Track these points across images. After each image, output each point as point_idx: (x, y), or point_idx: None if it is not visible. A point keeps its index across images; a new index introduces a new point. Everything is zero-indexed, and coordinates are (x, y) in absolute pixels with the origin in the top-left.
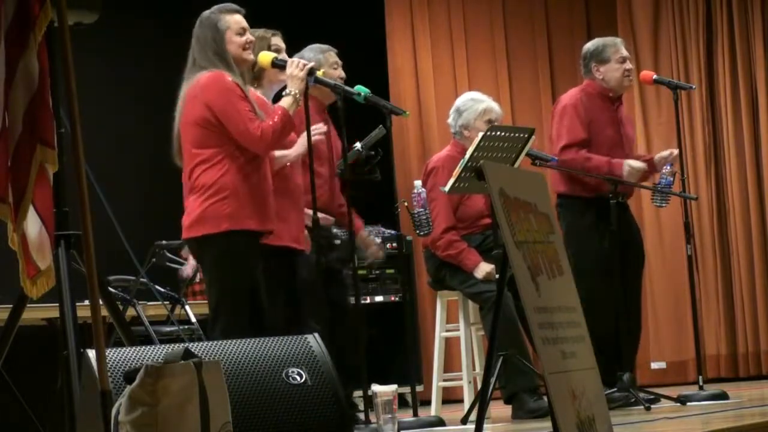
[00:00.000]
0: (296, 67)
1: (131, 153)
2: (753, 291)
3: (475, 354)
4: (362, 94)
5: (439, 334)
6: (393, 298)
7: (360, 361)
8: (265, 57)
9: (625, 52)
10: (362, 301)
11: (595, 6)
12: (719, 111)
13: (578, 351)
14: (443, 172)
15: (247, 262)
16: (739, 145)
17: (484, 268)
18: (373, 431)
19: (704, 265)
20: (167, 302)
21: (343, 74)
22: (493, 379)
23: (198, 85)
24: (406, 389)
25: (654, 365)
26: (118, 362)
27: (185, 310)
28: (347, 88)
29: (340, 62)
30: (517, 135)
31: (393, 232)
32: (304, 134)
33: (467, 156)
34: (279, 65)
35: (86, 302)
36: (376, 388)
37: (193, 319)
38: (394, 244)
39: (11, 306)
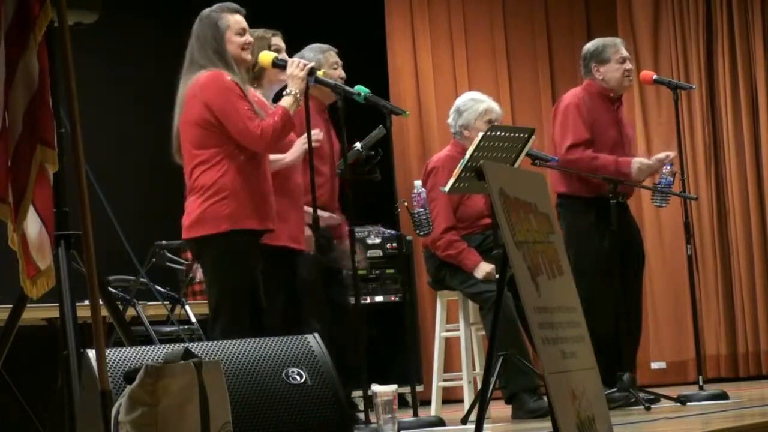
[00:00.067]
0: (297, 67)
1: (131, 153)
2: (753, 291)
3: (475, 354)
4: (362, 94)
5: (439, 334)
6: (393, 298)
7: (360, 361)
8: (266, 57)
9: (625, 53)
10: (362, 301)
11: (595, 6)
12: (719, 111)
13: (578, 351)
14: (443, 172)
15: (247, 262)
16: (739, 145)
17: (484, 268)
18: (373, 431)
19: (704, 265)
20: (167, 302)
21: (343, 74)
22: (493, 379)
23: (197, 84)
24: (406, 389)
25: (654, 365)
26: (118, 362)
27: (185, 310)
28: (347, 88)
29: (340, 62)
30: (517, 135)
31: (393, 232)
32: (300, 139)
33: (467, 156)
34: (279, 65)
35: (86, 302)
36: (376, 388)
37: (193, 319)
38: (394, 244)
39: (11, 306)
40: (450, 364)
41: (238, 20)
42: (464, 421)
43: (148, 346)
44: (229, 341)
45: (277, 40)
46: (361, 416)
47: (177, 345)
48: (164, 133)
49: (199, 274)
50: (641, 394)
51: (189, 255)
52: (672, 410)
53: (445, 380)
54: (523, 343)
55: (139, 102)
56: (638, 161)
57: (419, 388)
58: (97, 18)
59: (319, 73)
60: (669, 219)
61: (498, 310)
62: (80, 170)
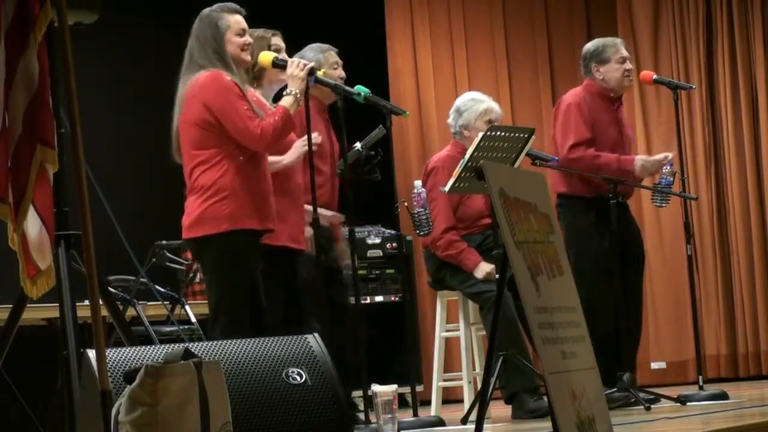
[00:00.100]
0: (297, 67)
1: (131, 153)
2: (753, 291)
3: (475, 354)
4: (362, 94)
5: (439, 334)
6: (393, 298)
7: (360, 361)
8: (266, 57)
9: (625, 53)
10: (362, 301)
11: (595, 6)
12: (719, 111)
13: (578, 351)
14: (443, 172)
15: (247, 262)
16: (739, 145)
17: (484, 268)
18: (373, 431)
19: (704, 265)
20: (167, 302)
21: (343, 74)
22: (493, 379)
23: (196, 84)
24: (406, 389)
25: (654, 365)
26: (118, 362)
27: (185, 310)
28: (347, 88)
29: (340, 62)
30: (517, 135)
31: (393, 232)
32: (298, 142)
33: (467, 156)
34: (279, 65)
35: (86, 302)
36: (376, 388)
37: (193, 319)
38: (394, 244)
39: (11, 306)
40: (450, 364)
41: (238, 20)
42: (464, 421)
43: (148, 346)
44: (229, 341)
45: (277, 40)
46: (361, 416)
47: (177, 345)
48: (164, 133)
49: (200, 274)
50: (641, 394)
51: (189, 255)
52: (672, 410)
53: (445, 380)
54: (523, 343)
55: (139, 102)
56: (641, 158)
57: (419, 388)
58: (97, 18)
59: (319, 73)
60: (669, 219)
61: (498, 310)
62: (80, 170)
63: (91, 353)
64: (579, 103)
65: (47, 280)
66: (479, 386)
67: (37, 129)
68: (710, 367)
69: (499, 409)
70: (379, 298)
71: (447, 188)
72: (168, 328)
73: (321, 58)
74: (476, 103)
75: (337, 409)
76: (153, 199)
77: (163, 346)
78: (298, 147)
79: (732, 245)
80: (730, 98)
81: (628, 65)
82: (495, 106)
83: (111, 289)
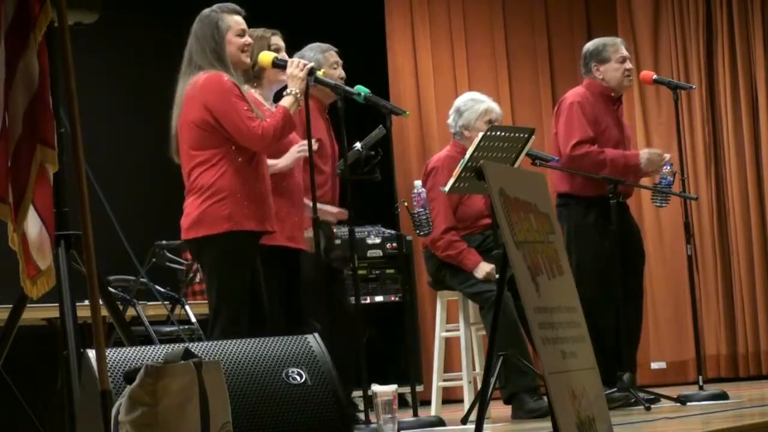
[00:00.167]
0: (296, 67)
1: (131, 153)
2: (753, 291)
3: (475, 354)
4: (362, 94)
5: (439, 334)
6: (393, 298)
7: (360, 361)
8: (266, 57)
9: (625, 52)
10: (362, 301)
11: (595, 6)
12: (719, 111)
13: (578, 351)
14: (443, 172)
15: (247, 262)
16: (739, 145)
17: (484, 268)
18: (373, 431)
19: (704, 265)
20: (167, 302)
21: (343, 74)
22: (493, 379)
23: (196, 85)
24: (406, 389)
25: (654, 365)
26: (118, 362)
27: (185, 310)
28: (347, 88)
29: (340, 62)
30: (517, 135)
31: (393, 232)
32: (293, 148)
33: (467, 156)
34: (279, 65)
35: (86, 302)
36: (376, 388)
37: (193, 319)
38: (394, 244)
39: (11, 306)
40: (450, 364)
41: (238, 21)
42: (464, 421)
43: (148, 346)
44: (229, 341)
45: (277, 40)
46: (361, 416)
47: (177, 345)
48: (164, 133)
49: (200, 274)
50: (641, 394)
51: (189, 255)
52: (672, 410)
53: (445, 380)
54: (523, 343)
55: (139, 102)
56: (647, 151)
57: (419, 388)
58: (97, 18)
59: (319, 73)
60: (669, 219)
61: (498, 310)
62: (80, 170)
63: (91, 353)
64: (582, 102)
65: (47, 280)
66: (479, 386)
67: (37, 129)
68: (710, 367)
69: (499, 409)
70: (379, 298)
71: (447, 188)
72: (168, 328)
73: (321, 58)
74: (476, 104)
75: (337, 409)
76: (153, 199)
77: (163, 346)
78: (293, 152)
79: (732, 245)
80: (730, 98)
81: (628, 65)
82: (495, 106)
83: (111, 289)
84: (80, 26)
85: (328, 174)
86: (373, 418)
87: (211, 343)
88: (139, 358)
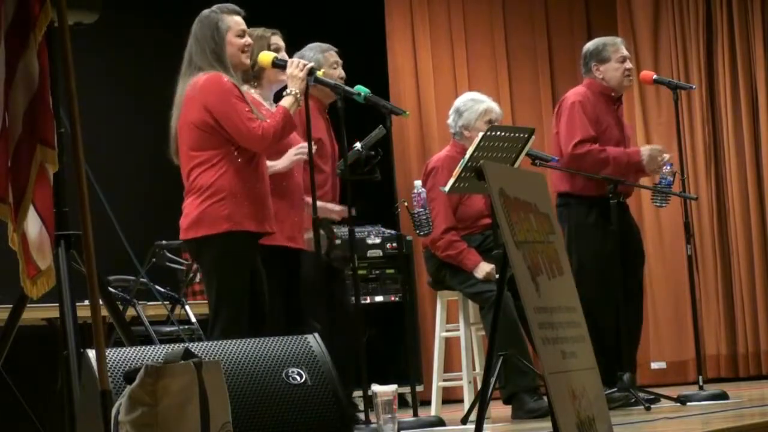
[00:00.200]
0: (296, 67)
1: (131, 153)
2: (753, 291)
3: (475, 354)
4: (362, 94)
5: (439, 334)
6: (393, 298)
7: (360, 361)
8: (266, 57)
9: (625, 52)
10: (362, 301)
11: (595, 6)
12: (719, 111)
13: (578, 351)
14: (443, 172)
15: (247, 262)
16: (739, 145)
17: (484, 268)
18: (373, 431)
19: (704, 265)
20: (167, 302)
21: (342, 74)
22: (493, 379)
23: (196, 86)
24: (406, 389)
25: (654, 365)
26: (118, 362)
27: (185, 310)
28: (347, 88)
29: (340, 61)
30: (517, 135)
31: (393, 232)
32: (291, 151)
33: (467, 156)
34: (279, 65)
35: (86, 302)
36: (376, 388)
37: (193, 319)
38: (394, 244)
39: (11, 306)
40: (450, 364)
41: (238, 21)
42: (464, 421)
43: (148, 346)
44: (229, 341)
45: (277, 39)
46: (361, 416)
47: (177, 345)
48: (164, 133)
49: (201, 274)
50: (641, 394)
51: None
52: (672, 410)
53: (445, 380)
54: (523, 343)
55: (139, 102)
56: (648, 148)
57: (419, 388)
58: (97, 18)
59: (319, 73)
60: (669, 219)
61: (498, 310)
62: (80, 170)
63: (91, 353)
64: (583, 101)
65: (47, 280)
66: (479, 386)
67: (37, 129)
68: (710, 367)
69: (499, 409)
70: (379, 298)
71: (447, 188)
72: (168, 328)
73: (320, 58)
74: (476, 104)
75: (337, 409)
76: (153, 199)
77: (163, 346)
78: (290, 155)
79: (732, 245)
80: (730, 98)
81: (628, 64)
82: (495, 106)
83: (111, 289)
84: (80, 26)
85: (329, 174)
86: (373, 418)
87: (211, 343)
88: (139, 358)
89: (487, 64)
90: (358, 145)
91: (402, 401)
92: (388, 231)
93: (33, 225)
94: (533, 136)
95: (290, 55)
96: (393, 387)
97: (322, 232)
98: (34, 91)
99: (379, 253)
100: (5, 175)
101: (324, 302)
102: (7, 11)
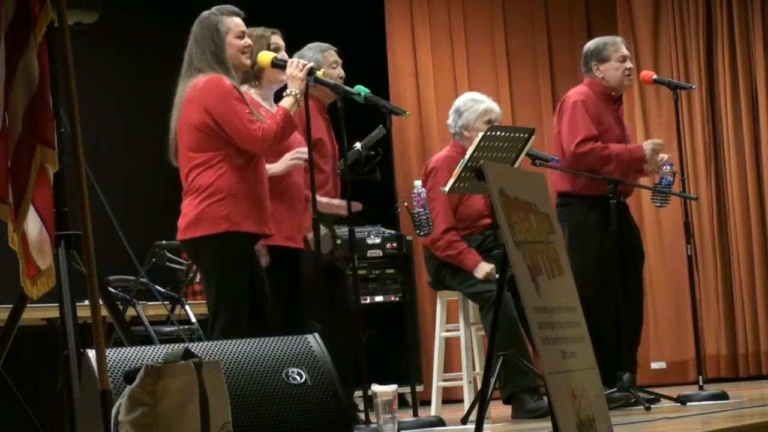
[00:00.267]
0: (296, 67)
1: (131, 153)
2: (753, 291)
3: (475, 354)
4: (362, 94)
5: (439, 334)
6: (393, 298)
7: (360, 361)
8: (265, 57)
9: (625, 51)
10: (362, 301)
11: (595, 6)
12: (719, 111)
13: (578, 351)
14: (443, 172)
15: (245, 262)
16: (739, 145)
17: (484, 268)
18: (373, 431)
19: (704, 265)
20: (167, 302)
21: (342, 73)
22: (493, 379)
23: (196, 88)
24: (406, 389)
25: (654, 365)
26: (118, 362)
27: (185, 310)
28: (347, 88)
29: (339, 61)
30: (517, 135)
31: (393, 232)
32: (287, 155)
33: (467, 156)
34: (279, 65)
35: (86, 302)
36: (376, 388)
37: (193, 319)
38: (394, 244)
39: (11, 306)
40: (450, 364)
41: (237, 23)
42: (464, 421)
43: (148, 346)
44: (229, 341)
45: (277, 39)
46: (361, 416)
47: (177, 345)
48: (164, 133)
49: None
50: (641, 394)
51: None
52: (672, 410)
53: (445, 380)
54: (523, 343)
55: (139, 102)
56: (650, 142)
57: (419, 388)
58: (97, 18)
59: (319, 73)
60: (669, 219)
61: (498, 310)
62: (80, 170)
63: (91, 353)
64: (585, 101)
65: (47, 280)
66: (479, 386)
67: (37, 129)
68: (710, 367)
69: (499, 409)
70: (379, 298)
71: (447, 188)
72: (168, 328)
73: (320, 58)
74: (476, 104)
75: (337, 409)
76: (153, 199)
77: (163, 346)
78: (286, 159)
79: (732, 245)
80: (730, 98)
81: (629, 64)
82: (495, 106)
83: (111, 289)
84: (80, 26)
85: (329, 173)
86: (373, 418)
87: (211, 343)
88: (139, 358)
89: (487, 64)
90: (358, 145)
91: (402, 401)
92: (388, 231)
93: (33, 225)
94: (533, 136)
95: (290, 55)
96: (393, 387)
97: (326, 230)
98: (34, 91)
99: (379, 253)
100: (5, 175)
101: (324, 302)
102: (7, 11)
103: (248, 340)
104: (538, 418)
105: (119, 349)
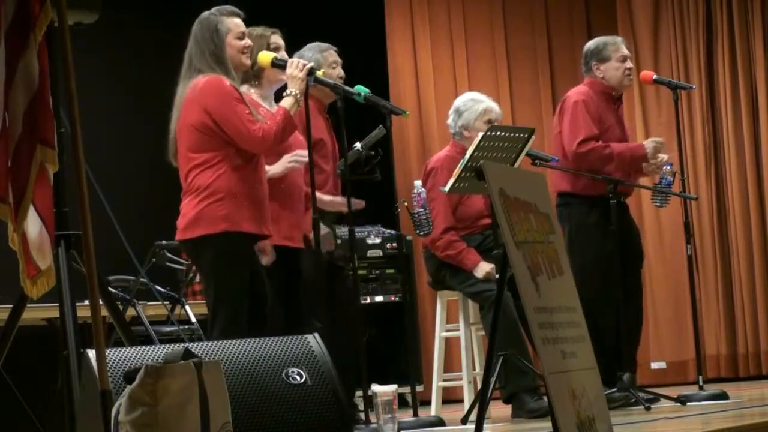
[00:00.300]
0: (296, 67)
1: (131, 153)
2: (753, 291)
3: (475, 354)
4: (362, 94)
5: (439, 334)
6: (393, 298)
7: (360, 361)
8: (265, 57)
9: (625, 51)
10: (362, 301)
11: (595, 6)
12: (719, 111)
13: (578, 351)
14: (443, 172)
15: (245, 262)
16: (739, 145)
17: (484, 268)
18: (373, 431)
19: (704, 265)
20: (167, 302)
21: (342, 73)
22: (493, 379)
23: (196, 89)
24: (406, 389)
25: (654, 365)
26: (118, 362)
27: (185, 310)
28: (347, 88)
29: (339, 61)
30: (517, 135)
31: (393, 232)
32: (285, 157)
33: (467, 156)
34: (279, 65)
35: (86, 302)
36: (376, 388)
37: (193, 319)
38: (394, 244)
39: (11, 306)
40: (450, 364)
41: (237, 24)
42: (464, 421)
43: (148, 346)
44: (229, 341)
45: (277, 39)
46: (361, 416)
47: (177, 345)
48: (164, 133)
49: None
50: (641, 394)
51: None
52: (672, 410)
53: (445, 380)
54: (523, 343)
55: (139, 102)
56: (651, 140)
57: (419, 388)
58: (97, 18)
59: (319, 73)
60: (669, 219)
61: (498, 310)
62: (80, 170)
63: (91, 353)
64: (586, 101)
65: (47, 280)
66: (479, 386)
67: (37, 129)
68: (710, 367)
69: (499, 409)
70: (379, 298)
71: (447, 188)
72: (168, 328)
73: (320, 58)
74: (476, 104)
75: (337, 409)
76: (153, 199)
77: (163, 346)
78: (285, 161)
79: (732, 245)
80: (730, 98)
81: (629, 64)
82: (494, 106)
83: (111, 289)
84: (80, 26)
85: (329, 173)
86: (373, 418)
87: (211, 343)
88: (139, 358)
89: (487, 64)
90: (358, 145)
91: (402, 401)
92: (388, 231)
93: (33, 225)
94: (533, 136)
95: (290, 55)
96: (393, 387)
97: (327, 229)
98: (34, 91)
99: (379, 253)
100: (5, 175)
101: (324, 301)
102: (7, 11)
103: (248, 340)
104: (538, 418)
105: (119, 349)
